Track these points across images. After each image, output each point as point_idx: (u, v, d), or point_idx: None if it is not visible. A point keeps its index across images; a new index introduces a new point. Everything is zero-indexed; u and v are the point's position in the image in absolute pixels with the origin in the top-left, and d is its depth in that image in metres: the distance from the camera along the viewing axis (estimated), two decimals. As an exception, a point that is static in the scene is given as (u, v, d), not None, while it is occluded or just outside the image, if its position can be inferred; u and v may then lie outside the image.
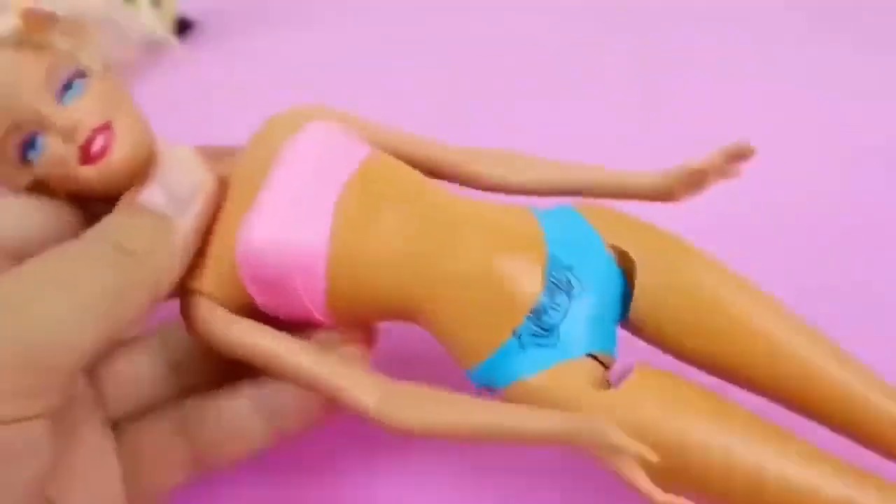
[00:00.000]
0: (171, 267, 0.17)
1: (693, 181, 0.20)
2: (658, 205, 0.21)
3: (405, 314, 0.19)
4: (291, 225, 0.18)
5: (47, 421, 0.14)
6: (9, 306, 0.15)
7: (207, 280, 0.19)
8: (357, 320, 0.20)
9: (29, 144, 0.19)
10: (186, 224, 0.17)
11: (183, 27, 0.51)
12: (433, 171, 0.22)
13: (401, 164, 0.21)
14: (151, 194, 0.18)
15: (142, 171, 0.20)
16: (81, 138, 0.18)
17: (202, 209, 0.18)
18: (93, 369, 0.19)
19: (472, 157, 0.22)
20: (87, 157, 0.19)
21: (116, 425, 0.19)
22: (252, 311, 0.20)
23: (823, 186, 0.34)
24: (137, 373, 0.20)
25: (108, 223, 0.18)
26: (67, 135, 0.18)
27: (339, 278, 0.19)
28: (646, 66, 0.45)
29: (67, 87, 0.19)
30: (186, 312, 0.20)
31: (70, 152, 0.18)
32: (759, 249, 0.30)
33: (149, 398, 0.20)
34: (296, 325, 0.20)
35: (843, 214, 0.33)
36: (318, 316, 0.19)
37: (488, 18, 0.52)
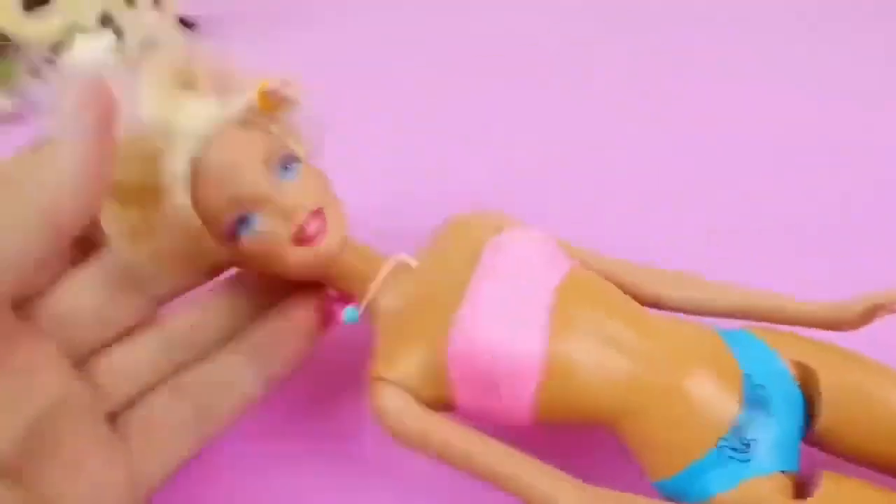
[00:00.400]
0: (65, 192, 0.15)
1: (872, 315, 0.20)
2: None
3: (604, 422, 0.19)
4: (512, 326, 0.19)
5: None
6: None
7: (403, 371, 0.20)
8: (556, 423, 0.20)
9: (244, 221, 0.19)
10: (75, 147, 0.15)
11: (183, 27, 0.51)
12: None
13: (599, 276, 0.21)
14: (41, 121, 0.17)
15: (337, 259, 0.20)
16: (300, 219, 0.19)
17: (94, 130, 0.15)
18: (89, 365, 0.19)
19: (653, 279, 0.23)
20: (301, 238, 0.19)
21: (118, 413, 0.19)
22: (440, 408, 0.20)
23: (827, 186, 0.34)
24: (136, 361, 0.20)
25: None
26: (287, 214, 0.19)
27: (552, 383, 0.19)
28: (645, 65, 0.45)
29: (284, 169, 0.19)
30: (377, 400, 0.20)
31: (286, 232, 0.19)
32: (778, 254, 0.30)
33: (147, 384, 0.20)
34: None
35: (849, 214, 0.33)
36: (518, 415, 0.19)
37: (488, 18, 0.52)
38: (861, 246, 0.31)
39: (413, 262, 0.21)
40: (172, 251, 0.19)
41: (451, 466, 0.19)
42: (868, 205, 0.33)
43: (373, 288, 0.21)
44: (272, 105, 0.20)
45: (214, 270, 0.21)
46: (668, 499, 0.19)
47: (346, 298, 0.22)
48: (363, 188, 0.31)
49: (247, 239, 0.19)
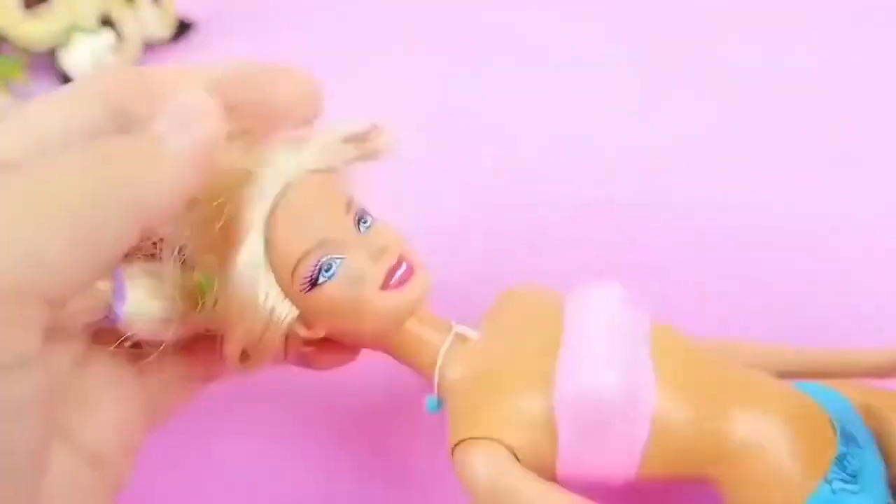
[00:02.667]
0: (159, 186, 0.15)
1: None
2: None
3: (706, 472, 0.19)
4: (626, 370, 0.18)
5: (33, 370, 0.13)
6: None
7: (496, 427, 0.19)
8: (657, 475, 0.19)
9: (325, 266, 0.18)
10: (181, 145, 0.16)
11: (183, 27, 0.51)
12: None
13: (678, 331, 0.21)
14: (154, 119, 0.16)
15: (410, 316, 0.19)
16: (389, 262, 0.18)
17: (204, 135, 0.16)
18: None
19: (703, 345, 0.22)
20: (388, 281, 0.18)
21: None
22: (536, 471, 0.19)
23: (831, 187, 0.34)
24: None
25: (96, 142, 0.16)
26: (376, 256, 0.18)
27: (662, 428, 0.18)
28: (646, 67, 0.45)
29: (362, 219, 0.19)
30: (469, 461, 0.18)
31: (374, 274, 0.18)
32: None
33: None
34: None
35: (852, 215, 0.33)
36: (625, 466, 0.19)
37: (491, 16, 0.52)
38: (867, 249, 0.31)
39: (473, 334, 0.21)
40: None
41: None
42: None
43: (441, 356, 0.20)
44: (363, 153, 0.19)
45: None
46: None
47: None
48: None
49: (329, 286, 0.18)
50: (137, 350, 0.18)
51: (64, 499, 0.16)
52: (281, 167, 0.18)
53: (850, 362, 0.22)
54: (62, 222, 0.13)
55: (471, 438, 0.19)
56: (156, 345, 0.18)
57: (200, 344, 0.20)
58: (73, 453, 0.16)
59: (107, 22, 0.47)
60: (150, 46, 0.49)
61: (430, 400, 0.21)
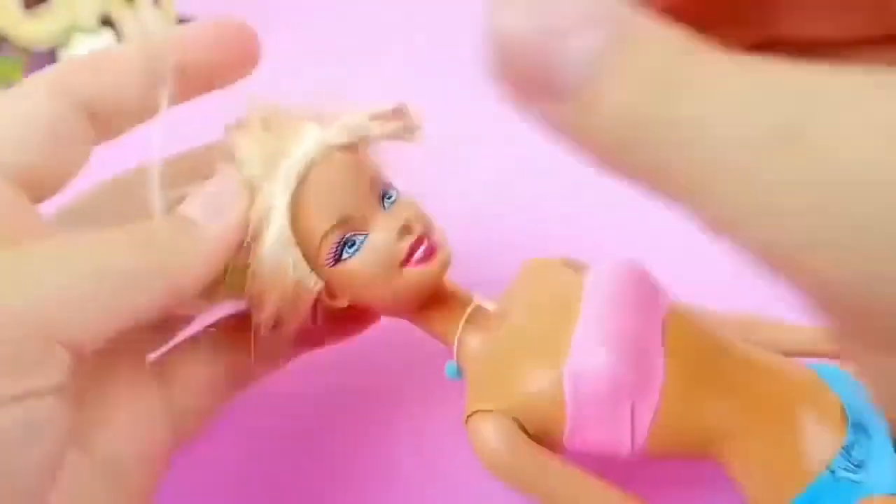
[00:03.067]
0: (192, 269, 0.17)
1: None
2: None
3: (711, 451, 0.19)
4: (637, 348, 0.19)
5: (55, 401, 0.14)
6: (25, 270, 0.15)
7: (508, 401, 0.19)
8: (663, 452, 0.19)
9: (349, 242, 0.19)
10: (215, 232, 0.17)
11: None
12: None
13: (694, 311, 0.21)
14: (187, 203, 0.18)
15: (434, 291, 0.20)
16: (411, 239, 0.19)
17: (235, 223, 0.18)
18: None
19: (720, 323, 0.22)
20: (410, 258, 0.19)
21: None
22: (545, 443, 0.19)
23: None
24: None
25: (143, 222, 0.18)
26: (399, 234, 0.19)
27: (668, 406, 0.19)
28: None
29: (387, 195, 0.20)
30: (481, 433, 0.19)
31: (396, 252, 0.19)
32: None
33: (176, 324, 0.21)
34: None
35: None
36: (631, 442, 0.19)
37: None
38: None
39: (491, 306, 0.21)
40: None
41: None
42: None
43: (461, 326, 0.21)
44: (385, 131, 0.20)
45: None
46: None
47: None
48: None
49: (353, 262, 0.19)
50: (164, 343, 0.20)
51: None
52: (306, 145, 0.19)
53: None
54: (102, 288, 0.15)
55: (483, 411, 0.19)
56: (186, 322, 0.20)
57: (226, 349, 0.20)
58: (88, 463, 0.16)
59: (107, 22, 0.47)
60: (149, 46, 0.49)
61: (449, 366, 0.21)
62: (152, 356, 0.20)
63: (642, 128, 0.09)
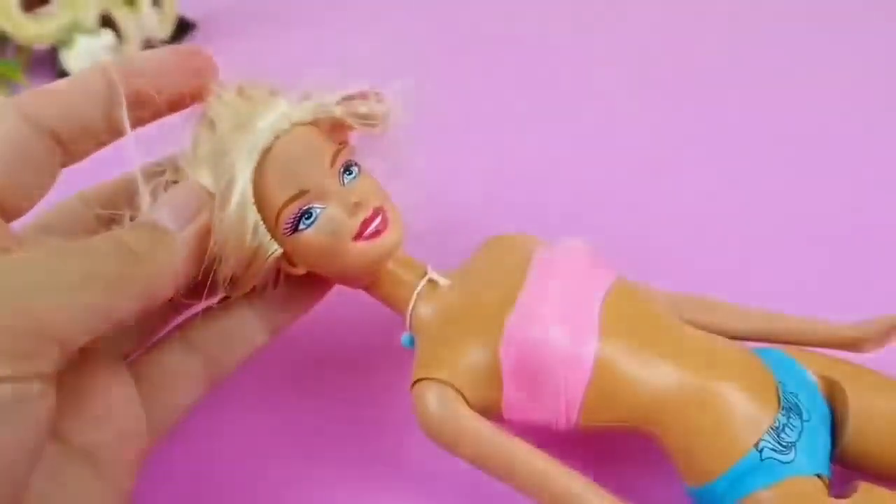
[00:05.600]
0: (168, 272, 0.18)
1: (891, 336, 0.21)
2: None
3: (644, 426, 0.20)
4: (569, 324, 0.19)
5: (43, 386, 0.15)
6: (20, 274, 0.16)
7: (450, 370, 0.20)
8: (597, 425, 0.20)
9: (306, 213, 0.20)
10: (185, 238, 0.19)
11: (183, 27, 0.51)
12: None
13: (639, 289, 0.22)
14: (158, 211, 0.19)
15: (384, 264, 0.21)
16: (364, 214, 0.20)
17: (203, 228, 0.19)
18: None
19: (676, 302, 0.23)
20: (362, 233, 0.20)
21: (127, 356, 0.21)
22: (484, 413, 0.20)
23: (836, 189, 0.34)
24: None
25: (118, 230, 0.19)
26: (352, 209, 0.20)
27: (600, 382, 0.19)
28: (648, 69, 0.45)
29: (347, 171, 0.20)
30: (423, 399, 0.20)
31: (350, 226, 0.20)
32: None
33: (153, 327, 0.22)
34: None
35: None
36: (565, 415, 0.20)
37: (492, 16, 0.52)
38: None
39: (445, 281, 0.22)
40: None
41: (490, 471, 0.19)
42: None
43: (414, 297, 0.22)
44: (349, 114, 0.21)
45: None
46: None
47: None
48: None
49: (308, 233, 0.20)
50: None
51: (56, 498, 0.17)
52: (273, 117, 0.20)
53: (813, 331, 0.22)
54: (89, 291, 0.17)
55: (426, 379, 0.20)
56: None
57: (200, 342, 0.21)
58: (65, 453, 0.17)
59: (107, 22, 0.47)
60: (150, 46, 0.49)
61: (404, 337, 0.22)
62: (131, 355, 0.21)
63: None
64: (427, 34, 0.50)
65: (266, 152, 0.20)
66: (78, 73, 0.19)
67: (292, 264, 0.21)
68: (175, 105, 0.21)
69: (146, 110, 0.20)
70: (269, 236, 0.20)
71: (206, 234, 0.19)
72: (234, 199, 0.19)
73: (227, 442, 0.24)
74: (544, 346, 0.19)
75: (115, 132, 0.20)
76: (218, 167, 0.20)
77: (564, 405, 0.19)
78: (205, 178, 0.20)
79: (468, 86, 0.44)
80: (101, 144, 0.20)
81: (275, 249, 0.20)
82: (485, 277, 0.22)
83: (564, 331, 0.19)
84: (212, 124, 0.20)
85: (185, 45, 0.21)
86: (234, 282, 0.21)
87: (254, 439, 0.24)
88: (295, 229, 0.20)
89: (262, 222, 0.20)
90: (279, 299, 0.22)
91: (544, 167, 0.36)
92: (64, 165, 0.20)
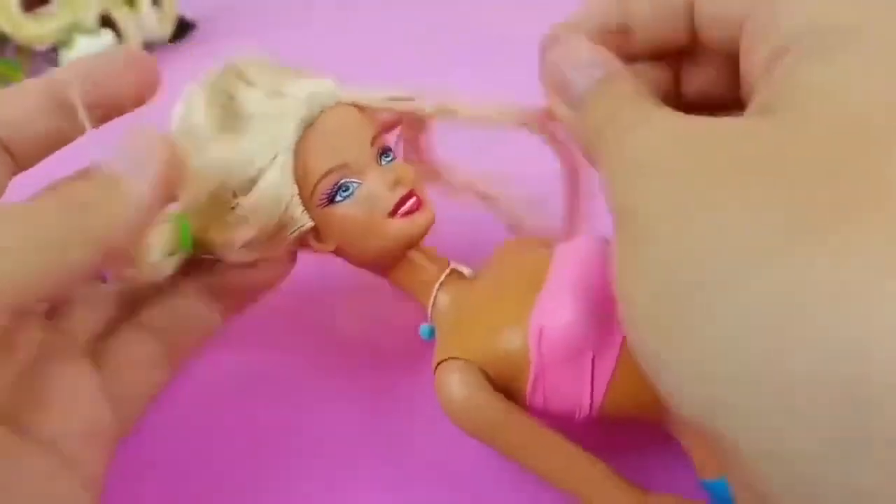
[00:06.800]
0: (120, 224, 0.18)
1: None
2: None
3: (666, 414, 0.20)
4: (595, 310, 0.19)
5: None
6: None
7: (475, 350, 0.20)
8: (618, 414, 0.20)
9: (343, 186, 0.20)
10: (139, 188, 0.18)
11: (183, 27, 0.51)
12: None
13: None
14: (111, 159, 0.18)
15: (414, 245, 0.21)
16: (403, 191, 0.20)
17: (157, 177, 0.18)
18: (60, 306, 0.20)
19: None
20: (397, 210, 0.20)
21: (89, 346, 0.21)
22: (507, 395, 0.20)
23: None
24: (105, 294, 0.21)
25: (63, 182, 0.18)
26: (390, 185, 0.20)
27: (626, 367, 0.19)
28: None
29: (384, 154, 0.21)
30: (447, 379, 0.20)
31: (387, 200, 0.20)
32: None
33: (115, 318, 0.21)
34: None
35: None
36: (590, 398, 0.20)
37: (491, 16, 0.52)
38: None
39: (469, 271, 0.22)
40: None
41: (510, 455, 0.19)
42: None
43: (437, 286, 0.22)
44: (390, 104, 0.22)
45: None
46: (720, 499, 0.19)
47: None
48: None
49: (345, 205, 0.20)
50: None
51: (20, 492, 0.16)
52: (321, 94, 0.20)
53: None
54: (31, 250, 0.16)
55: (451, 359, 0.20)
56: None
57: (162, 326, 0.21)
58: (29, 445, 0.17)
59: (107, 22, 0.48)
60: (150, 46, 0.49)
61: (423, 328, 0.23)
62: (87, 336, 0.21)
63: (595, 136, 0.16)
64: (427, 34, 0.50)
65: (310, 124, 0.20)
66: (25, 82, 0.20)
67: (319, 240, 0.21)
68: (119, 109, 0.20)
69: (92, 116, 0.19)
70: (300, 209, 0.20)
71: (161, 185, 0.18)
72: (275, 167, 0.20)
73: (227, 441, 0.24)
74: (573, 327, 0.19)
75: (63, 139, 0.19)
76: (257, 136, 0.20)
77: (591, 388, 0.19)
78: (230, 146, 0.20)
79: (468, 86, 0.44)
80: (50, 151, 0.20)
81: (301, 224, 0.20)
82: (508, 268, 0.22)
83: (593, 314, 0.19)
84: (249, 82, 0.20)
85: (129, 51, 0.21)
86: (249, 246, 0.21)
87: (253, 436, 0.24)
88: (331, 201, 0.20)
89: (297, 193, 0.20)
90: (231, 281, 0.22)
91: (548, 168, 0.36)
92: (15, 173, 0.19)
